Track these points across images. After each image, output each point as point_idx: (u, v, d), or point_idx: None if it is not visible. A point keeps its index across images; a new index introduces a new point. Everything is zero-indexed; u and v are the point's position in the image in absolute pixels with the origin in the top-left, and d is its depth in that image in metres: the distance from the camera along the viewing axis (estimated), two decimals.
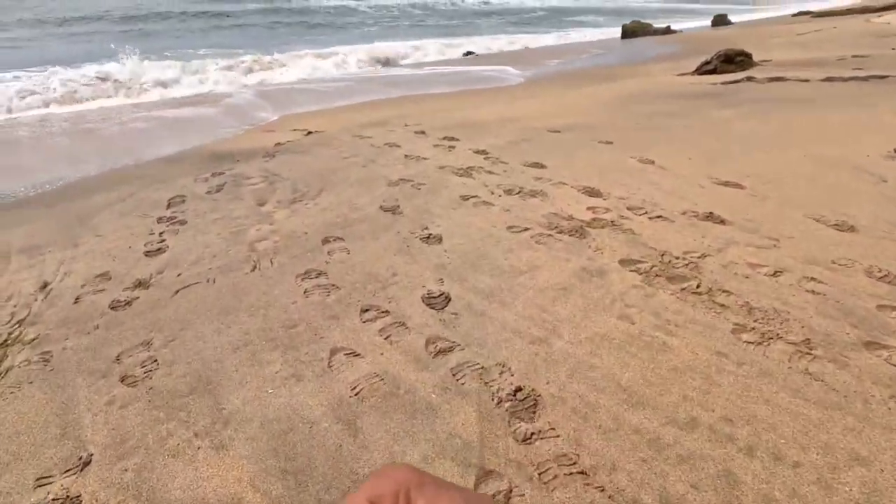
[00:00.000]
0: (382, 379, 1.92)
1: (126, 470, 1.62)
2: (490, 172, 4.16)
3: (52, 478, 1.63)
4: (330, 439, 1.68)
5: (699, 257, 2.64)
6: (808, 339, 1.99)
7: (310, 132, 6.17)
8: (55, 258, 3.19)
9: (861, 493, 1.41)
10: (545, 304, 2.32)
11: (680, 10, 29.94)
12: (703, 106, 6.38)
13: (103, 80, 9.41)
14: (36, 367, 2.14)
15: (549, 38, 17.37)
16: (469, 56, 13.99)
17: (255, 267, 2.85)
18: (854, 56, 9.45)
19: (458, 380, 1.89)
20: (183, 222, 3.57)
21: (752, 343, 1.99)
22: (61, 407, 1.91)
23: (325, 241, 3.12)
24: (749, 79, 8.02)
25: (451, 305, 2.36)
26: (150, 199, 4.12)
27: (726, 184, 3.60)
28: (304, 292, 2.51)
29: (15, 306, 2.64)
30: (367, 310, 2.36)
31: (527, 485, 1.48)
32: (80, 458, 1.68)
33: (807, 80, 7.32)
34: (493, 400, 1.78)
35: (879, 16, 17.45)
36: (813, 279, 2.39)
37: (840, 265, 2.50)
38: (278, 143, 5.70)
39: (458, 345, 2.08)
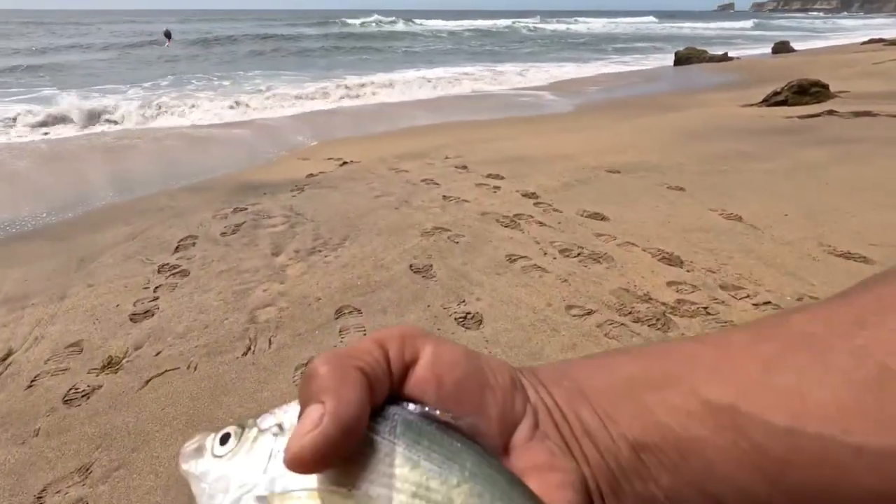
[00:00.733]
0: None
1: None
2: (541, 224, 3.47)
3: None
4: None
5: None
6: None
7: (344, 162, 5.64)
8: (35, 315, 2.69)
9: None
10: None
11: (734, 37, 28.43)
12: (782, 144, 5.50)
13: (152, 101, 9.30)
14: None
15: (596, 66, 16.61)
16: (522, 81, 13.39)
17: (249, 349, 2.25)
18: None
19: None
20: (185, 273, 3.03)
21: None
22: None
23: (339, 312, 2.50)
24: (830, 112, 7.04)
25: None
26: (160, 239, 3.63)
27: (847, 255, 2.78)
28: None
29: None
30: None
31: None
32: None
33: None
34: None
35: None
36: None
37: None
38: (310, 175, 5.19)
39: None
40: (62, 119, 8.10)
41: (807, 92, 8.40)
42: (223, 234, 3.64)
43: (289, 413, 0.26)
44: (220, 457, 0.26)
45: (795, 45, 18.48)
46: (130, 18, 48.33)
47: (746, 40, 26.33)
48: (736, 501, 0.26)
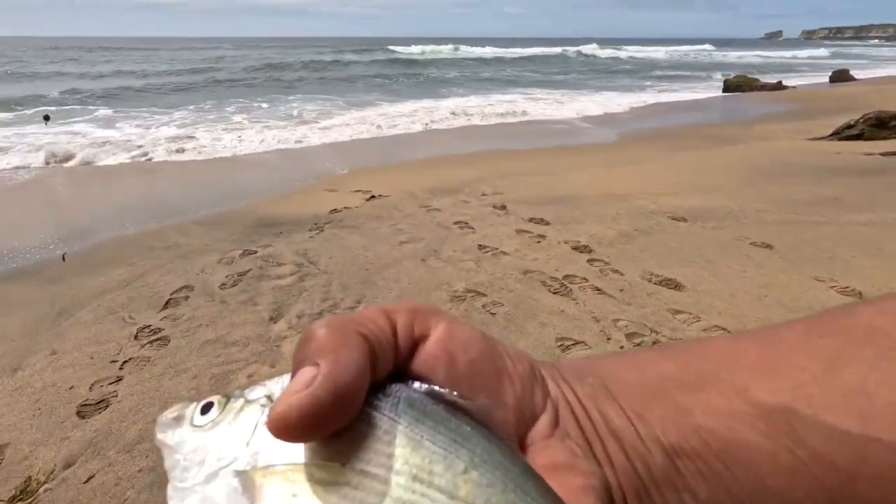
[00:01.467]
0: None
1: None
2: (599, 291, 2.74)
3: None
4: None
5: None
6: None
7: (372, 196, 5.06)
8: None
9: None
10: None
11: (783, 65, 26.86)
12: (874, 188, 4.60)
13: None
14: None
15: (639, 93, 15.76)
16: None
17: None
18: None
19: None
20: (164, 342, 2.45)
21: None
22: None
23: None
24: None
25: None
26: (152, 290, 3.08)
27: None
28: None
29: None
30: None
31: None
32: None
33: None
34: None
35: None
36: None
37: None
38: (333, 210, 4.62)
39: None
40: (98, 145, 7.90)
41: (886, 125, 7.39)
42: (223, 285, 3.07)
43: (280, 384, 0.23)
44: (200, 427, 0.22)
45: (856, 74, 17.10)
46: (188, 46, 50.22)
47: (799, 68, 24.81)
48: None
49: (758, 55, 38.73)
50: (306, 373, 0.20)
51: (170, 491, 0.21)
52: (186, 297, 2.93)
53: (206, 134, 8.58)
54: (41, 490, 1.60)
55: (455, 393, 0.22)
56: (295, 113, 11.06)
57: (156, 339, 2.47)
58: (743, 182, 5.04)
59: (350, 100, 13.33)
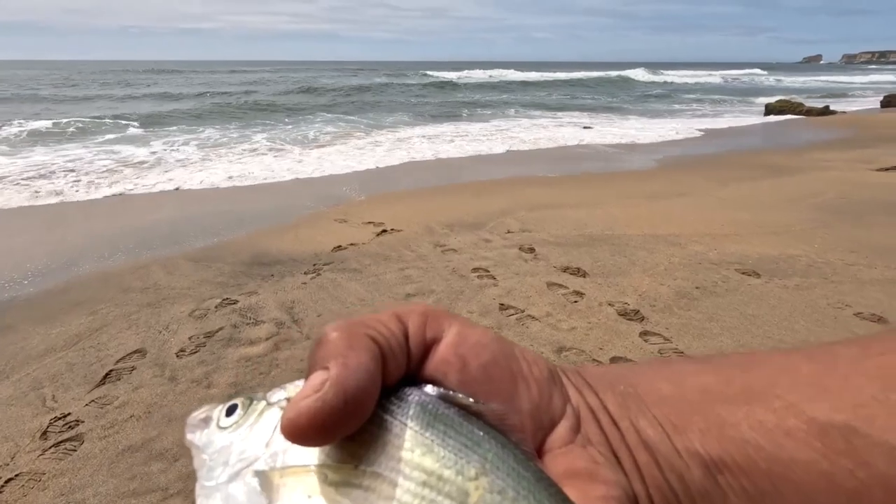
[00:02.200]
0: None
1: None
2: None
3: None
4: None
5: None
6: None
7: (383, 230, 4.40)
8: None
9: None
10: None
11: (818, 90, 25.22)
12: None
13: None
14: None
15: (676, 118, 14.85)
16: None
17: None
18: None
19: None
20: (73, 446, 1.78)
21: None
22: None
23: None
24: None
25: None
26: (98, 354, 2.45)
27: None
28: None
29: None
30: None
31: None
32: None
33: None
34: None
35: None
36: None
37: None
38: (337, 248, 3.96)
39: None
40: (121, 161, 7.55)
41: None
42: (181, 351, 2.42)
43: (298, 387, 0.22)
44: (225, 428, 0.22)
45: None
46: (231, 69, 51.40)
47: (842, 92, 23.24)
48: None
49: (800, 79, 36.73)
50: (316, 377, 0.19)
51: (197, 489, 0.21)
52: (132, 369, 2.29)
53: (222, 157, 8.16)
54: None
55: (468, 397, 0.21)
56: (322, 134, 10.63)
57: (66, 440, 1.81)
58: (815, 222, 4.17)
59: (380, 122, 12.87)
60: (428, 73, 35.35)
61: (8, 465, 1.70)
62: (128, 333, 2.66)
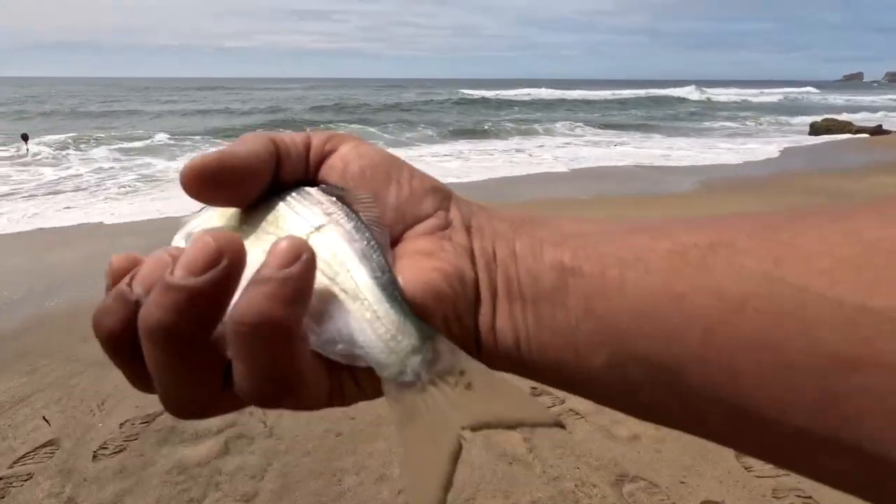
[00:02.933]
0: None
1: None
2: None
3: None
4: None
5: None
6: None
7: None
8: None
9: None
10: None
11: (865, 107, 23.50)
12: None
13: None
14: None
15: (710, 136, 13.85)
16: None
17: None
18: None
19: None
20: None
21: None
22: None
23: None
24: None
25: None
26: (2, 440, 1.85)
27: None
28: None
29: None
30: None
31: None
32: None
33: None
34: None
35: None
36: None
37: None
38: None
39: None
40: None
41: None
42: (101, 449, 1.75)
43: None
44: (186, 221, 0.26)
45: None
46: (266, 87, 51.82)
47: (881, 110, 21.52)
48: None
49: (842, 97, 34.47)
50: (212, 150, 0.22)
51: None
52: (27, 478, 1.64)
53: None
54: None
55: (338, 186, 0.24)
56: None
57: None
58: None
59: (395, 142, 12.33)
60: (462, 91, 34.29)
61: None
62: (53, 409, 2.03)
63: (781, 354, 0.17)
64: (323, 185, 0.24)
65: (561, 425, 0.21)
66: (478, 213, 0.25)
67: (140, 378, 0.21)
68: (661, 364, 0.19)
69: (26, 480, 1.63)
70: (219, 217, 0.24)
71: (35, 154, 8.88)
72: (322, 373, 0.21)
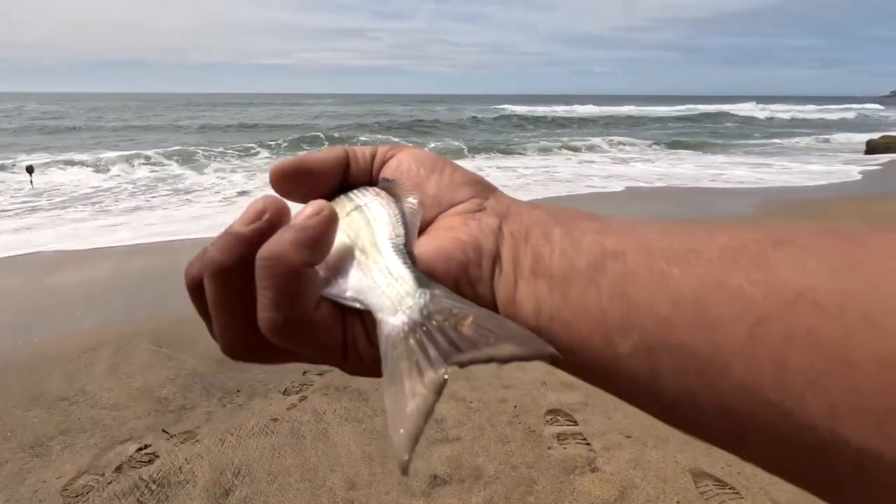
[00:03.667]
0: None
1: None
2: None
3: None
4: None
5: None
6: None
7: None
8: None
9: None
10: None
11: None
12: None
13: None
14: None
15: (755, 154, 12.84)
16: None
17: None
18: None
19: None
20: None
21: None
22: None
23: None
24: None
25: None
26: None
27: None
28: None
29: None
30: None
31: None
32: None
33: None
34: None
35: None
36: None
37: None
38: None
39: None
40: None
41: None
42: None
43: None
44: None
45: None
46: (286, 101, 51.64)
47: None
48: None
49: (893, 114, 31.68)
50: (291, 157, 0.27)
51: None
52: None
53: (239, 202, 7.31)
54: None
55: (387, 180, 0.28)
56: None
57: None
58: None
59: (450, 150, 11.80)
60: (502, 106, 33.12)
61: None
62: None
63: (840, 351, 0.15)
64: (378, 182, 0.29)
65: (556, 357, 0.19)
66: (520, 205, 0.26)
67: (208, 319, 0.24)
68: (698, 353, 0.18)
69: None
70: None
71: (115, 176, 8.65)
72: (336, 322, 0.23)
